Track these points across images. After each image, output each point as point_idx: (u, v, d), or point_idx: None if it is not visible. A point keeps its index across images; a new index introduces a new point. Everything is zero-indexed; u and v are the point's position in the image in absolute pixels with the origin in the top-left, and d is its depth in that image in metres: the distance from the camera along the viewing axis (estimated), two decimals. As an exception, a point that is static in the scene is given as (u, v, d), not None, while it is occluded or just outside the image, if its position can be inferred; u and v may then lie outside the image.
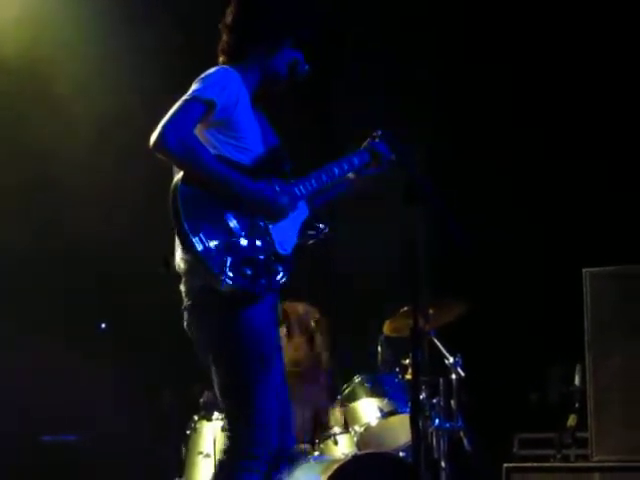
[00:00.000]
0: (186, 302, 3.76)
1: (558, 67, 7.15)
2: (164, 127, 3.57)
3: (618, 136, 6.98)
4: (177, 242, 3.70)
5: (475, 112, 7.24)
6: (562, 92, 7.11)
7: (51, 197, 7.06)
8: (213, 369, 3.72)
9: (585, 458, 5.39)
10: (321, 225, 3.99)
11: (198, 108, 3.63)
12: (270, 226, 3.73)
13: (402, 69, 7.02)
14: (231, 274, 3.53)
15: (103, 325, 6.89)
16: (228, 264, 3.53)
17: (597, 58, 7.02)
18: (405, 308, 5.61)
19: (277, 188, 3.79)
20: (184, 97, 3.64)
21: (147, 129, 3.62)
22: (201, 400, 5.87)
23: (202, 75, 3.74)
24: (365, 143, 4.15)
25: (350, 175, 4.12)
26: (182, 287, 3.77)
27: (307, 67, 3.93)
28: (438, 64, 7.22)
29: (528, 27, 7.14)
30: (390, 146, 4.10)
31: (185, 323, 3.80)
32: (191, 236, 3.50)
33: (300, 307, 6.05)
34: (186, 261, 3.69)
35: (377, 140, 4.14)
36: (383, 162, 4.11)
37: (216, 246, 3.54)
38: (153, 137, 3.57)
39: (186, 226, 3.52)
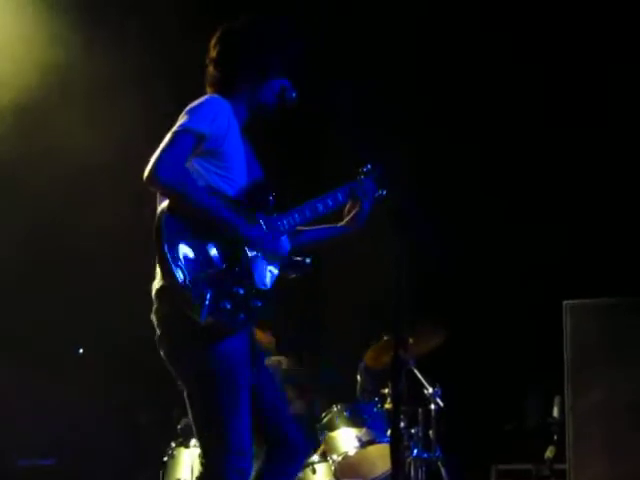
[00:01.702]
0: (158, 332, 3.70)
1: (538, 89, 7.15)
2: (157, 161, 3.52)
3: (600, 169, 7.01)
4: (157, 270, 3.67)
5: (454, 147, 7.25)
6: (547, 117, 7.11)
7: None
8: (187, 401, 3.68)
9: (563, 490, 5.41)
10: (303, 259, 3.96)
11: (189, 140, 3.59)
12: (251, 261, 3.68)
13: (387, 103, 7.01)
14: (211, 308, 3.48)
15: (81, 350, 6.85)
16: (208, 297, 3.48)
17: (586, 78, 7.01)
18: (386, 338, 5.62)
19: (262, 222, 3.78)
20: (174, 129, 3.60)
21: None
22: (179, 427, 5.83)
23: (192, 105, 3.70)
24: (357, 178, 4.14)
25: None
26: (153, 316, 3.71)
27: (295, 94, 3.92)
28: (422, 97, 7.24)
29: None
30: (378, 180, 4.10)
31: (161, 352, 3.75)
32: (173, 266, 3.46)
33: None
34: (162, 289, 3.63)
35: (364, 177, 4.13)
36: (367, 199, 4.06)
37: (197, 278, 3.48)
38: (146, 171, 3.53)
39: (168, 255, 3.47)
